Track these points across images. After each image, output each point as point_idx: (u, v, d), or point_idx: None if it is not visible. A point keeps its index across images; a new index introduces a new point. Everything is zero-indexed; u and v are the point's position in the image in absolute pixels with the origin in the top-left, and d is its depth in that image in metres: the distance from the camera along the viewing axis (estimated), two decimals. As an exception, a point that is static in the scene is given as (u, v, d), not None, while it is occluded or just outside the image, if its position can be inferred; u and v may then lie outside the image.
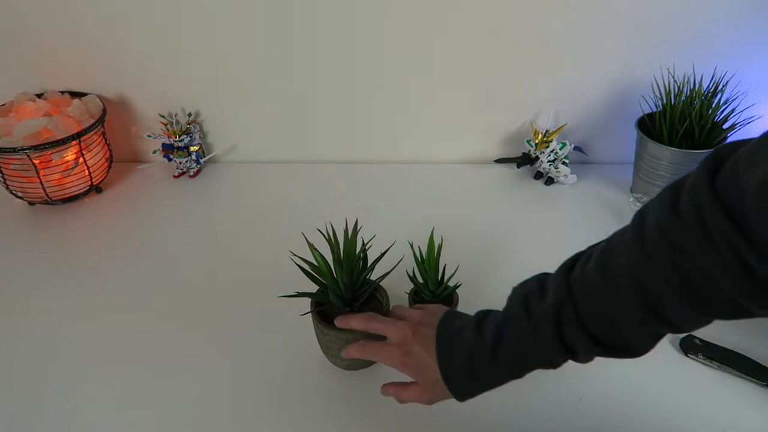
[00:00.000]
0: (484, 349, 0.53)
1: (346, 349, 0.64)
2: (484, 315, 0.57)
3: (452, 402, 0.69)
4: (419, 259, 0.73)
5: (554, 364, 0.53)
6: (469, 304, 0.80)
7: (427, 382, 0.57)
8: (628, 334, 0.48)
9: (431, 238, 0.73)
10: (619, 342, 0.49)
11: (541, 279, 0.54)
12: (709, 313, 0.44)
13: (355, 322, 0.64)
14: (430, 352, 0.56)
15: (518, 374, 0.54)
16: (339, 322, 0.65)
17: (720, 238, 0.40)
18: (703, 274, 0.42)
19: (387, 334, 0.61)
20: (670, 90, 0.96)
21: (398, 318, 0.63)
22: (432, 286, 0.72)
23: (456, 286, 0.74)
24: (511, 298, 0.55)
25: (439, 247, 0.72)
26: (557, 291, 0.50)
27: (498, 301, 0.80)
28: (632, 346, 0.49)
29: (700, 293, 0.43)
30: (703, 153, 0.93)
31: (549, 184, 1.07)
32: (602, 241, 0.51)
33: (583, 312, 0.48)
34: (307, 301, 0.70)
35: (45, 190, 0.98)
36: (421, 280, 0.74)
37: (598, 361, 0.73)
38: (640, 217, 0.46)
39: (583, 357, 0.51)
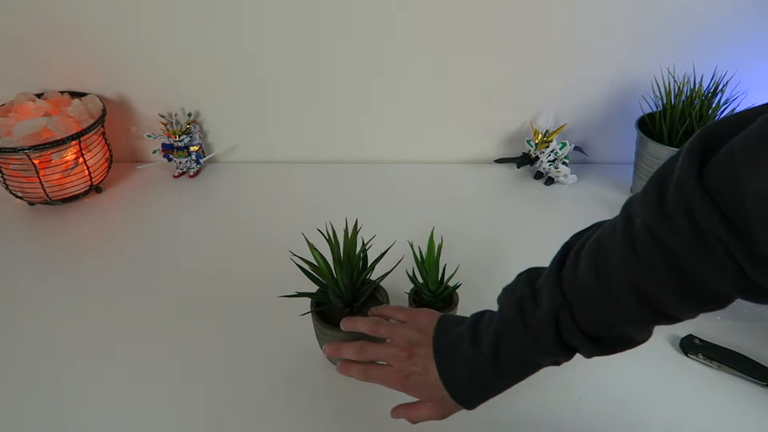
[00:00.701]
0: (484, 363, 0.52)
1: (345, 368, 0.62)
2: (478, 320, 0.55)
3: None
4: (419, 259, 0.73)
5: (558, 363, 0.52)
6: (469, 304, 0.80)
7: (434, 400, 0.56)
8: (627, 331, 0.47)
9: (431, 238, 0.73)
10: (619, 340, 0.48)
11: (531, 281, 0.52)
12: (709, 308, 0.43)
13: (363, 325, 0.63)
14: (431, 373, 0.55)
15: (523, 378, 0.54)
16: (345, 325, 0.64)
17: (715, 241, 0.38)
18: (699, 275, 0.40)
19: (383, 360, 0.60)
20: (670, 90, 0.96)
21: (386, 335, 0.61)
22: (432, 286, 0.72)
23: (456, 286, 0.74)
24: (503, 304, 0.54)
25: (439, 247, 0.72)
26: (551, 296, 0.49)
27: (494, 299, 0.80)
28: (632, 340, 0.48)
29: (699, 291, 0.41)
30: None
31: (549, 184, 1.07)
32: (589, 231, 0.50)
33: (580, 316, 0.48)
34: (307, 301, 0.70)
35: (45, 190, 0.98)
36: (421, 280, 0.74)
37: (598, 360, 0.73)
38: (627, 216, 0.44)
39: (586, 355, 0.50)
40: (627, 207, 0.45)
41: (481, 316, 0.56)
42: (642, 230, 0.42)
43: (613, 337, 0.48)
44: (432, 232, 0.73)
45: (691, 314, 0.45)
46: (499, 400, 0.68)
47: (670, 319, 0.45)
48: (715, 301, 0.43)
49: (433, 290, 0.73)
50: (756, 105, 0.39)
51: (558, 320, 0.48)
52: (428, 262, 0.72)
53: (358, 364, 0.61)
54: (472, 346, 0.53)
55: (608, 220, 0.48)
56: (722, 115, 0.95)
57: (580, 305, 0.47)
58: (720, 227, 0.37)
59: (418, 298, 0.75)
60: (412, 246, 0.75)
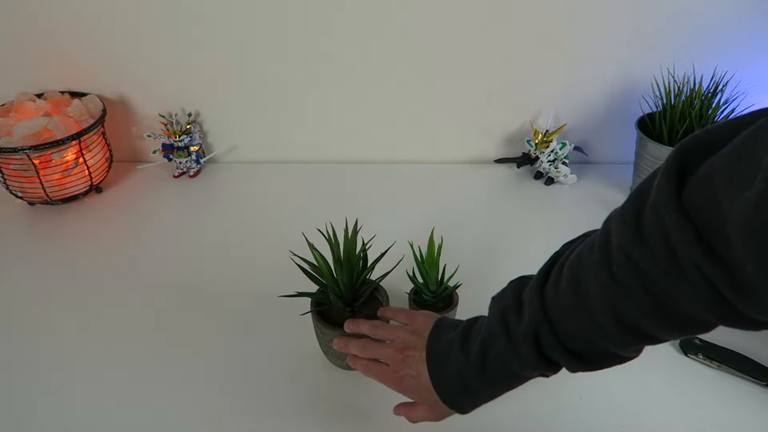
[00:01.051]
0: (471, 370, 0.52)
1: (353, 361, 0.63)
2: (470, 326, 0.55)
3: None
4: (419, 259, 0.73)
5: (546, 375, 0.51)
6: (469, 304, 0.80)
7: (427, 403, 0.57)
8: (610, 351, 0.46)
9: (431, 238, 0.73)
10: (603, 357, 0.47)
11: (518, 290, 0.52)
12: (691, 331, 0.42)
13: (364, 327, 0.64)
14: (423, 377, 0.56)
15: (512, 387, 0.54)
16: (348, 326, 0.65)
17: (691, 267, 0.36)
18: (676, 300, 0.38)
19: (381, 358, 0.61)
20: (670, 90, 0.96)
21: (384, 336, 0.62)
22: (432, 286, 0.72)
23: (456, 286, 0.74)
24: (490, 313, 0.54)
25: (439, 247, 0.72)
26: (532, 310, 0.48)
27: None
28: (618, 357, 0.47)
29: (676, 315, 0.40)
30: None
31: (549, 184, 1.07)
32: (578, 241, 0.49)
33: (560, 333, 0.47)
34: (307, 300, 0.70)
35: (45, 190, 0.98)
36: (421, 280, 0.74)
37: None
38: (606, 233, 0.42)
39: (570, 370, 0.49)
40: (607, 223, 0.43)
41: (473, 322, 0.56)
42: (618, 251, 0.40)
43: (596, 353, 0.47)
44: (432, 232, 0.73)
45: (673, 337, 0.43)
46: (499, 400, 0.68)
47: (652, 339, 0.43)
48: (696, 326, 0.41)
49: (433, 290, 0.73)
50: (735, 116, 0.36)
51: (538, 335, 0.48)
52: (428, 262, 0.72)
53: (363, 360, 0.62)
54: (462, 352, 0.53)
55: (596, 231, 0.46)
56: (721, 117, 0.95)
57: (560, 321, 0.46)
58: (696, 253, 0.35)
59: (418, 298, 0.75)
60: (412, 246, 0.75)
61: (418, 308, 0.73)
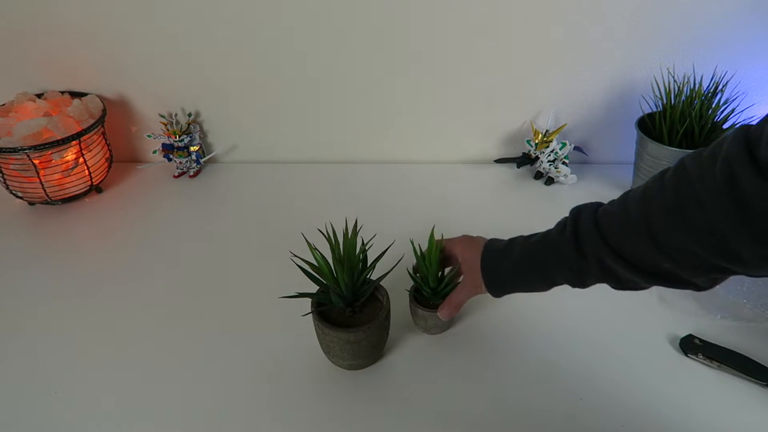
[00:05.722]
0: (515, 242, 0.68)
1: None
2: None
3: (452, 400, 0.69)
4: (419, 253, 0.73)
5: (573, 270, 0.61)
6: (468, 303, 0.80)
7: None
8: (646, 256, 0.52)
9: (431, 235, 0.73)
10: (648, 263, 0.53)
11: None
12: (692, 241, 0.48)
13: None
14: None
15: (542, 270, 0.64)
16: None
17: (723, 162, 0.44)
18: (697, 201, 0.46)
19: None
20: (670, 90, 0.96)
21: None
22: (432, 283, 0.72)
23: (456, 285, 0.74)
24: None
25: (440, 243, 0.72)
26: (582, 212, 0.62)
27: (497, 300, 0.80)
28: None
29: (690, 219, 0.47)
30: (703, 153, 0.93)
31: (549, 184, 1.08)
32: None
33: (602, 227, 0.58)
34: (308, 300, 0.70)
35: (45, 190, 0.98)
36: (419, 276, 0.74)
37: (598, 360, 0.73)
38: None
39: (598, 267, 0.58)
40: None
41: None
42: (679, 162, 0.50)
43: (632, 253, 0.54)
44: (432, 230, 0.73)
45: (678, 248, 0.49)
46: (500, 399, 0.68)
47: (664, 255, 0.51)
48: (699, 238, 0.47)
49: (433, 287, 0.73)
50: None
51: (578, 219, 0.65)
52: (428, 258, 0.72)
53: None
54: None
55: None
56: (720, 117, 0.95)
57: (604, 217, 0.61)
58: (737, 150, 0.44)
59: (418, 295, 0.75)
60: (412, 242, 0.75)
61: (418, 306, 0.74)
